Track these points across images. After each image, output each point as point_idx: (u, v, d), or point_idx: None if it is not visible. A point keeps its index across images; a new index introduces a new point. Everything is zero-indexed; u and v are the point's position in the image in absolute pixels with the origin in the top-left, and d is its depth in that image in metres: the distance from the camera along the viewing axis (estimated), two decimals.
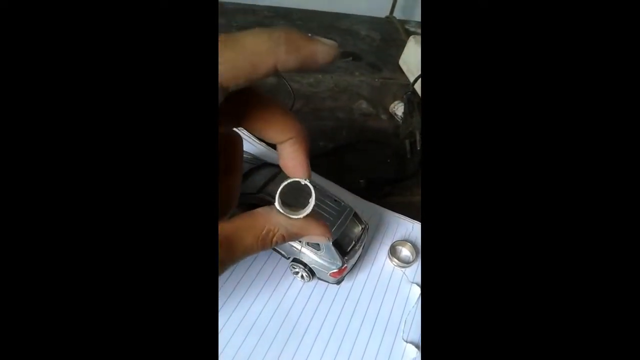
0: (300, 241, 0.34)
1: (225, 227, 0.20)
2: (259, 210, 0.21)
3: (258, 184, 0.35)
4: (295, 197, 0.31)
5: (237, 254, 0.20)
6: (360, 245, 0.37)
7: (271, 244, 0.21)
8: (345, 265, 0.34)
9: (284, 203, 0.22)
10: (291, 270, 0.37)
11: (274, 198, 0.31)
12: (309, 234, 0.22)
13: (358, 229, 0.37)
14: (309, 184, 0.23)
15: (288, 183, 0.21)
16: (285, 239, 0.22)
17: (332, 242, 0.33)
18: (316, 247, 0.34)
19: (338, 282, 0.36)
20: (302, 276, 0.36)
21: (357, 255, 0.37)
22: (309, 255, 0.35)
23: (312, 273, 0.36)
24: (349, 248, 0.35)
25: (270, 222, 0.21)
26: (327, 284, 0.37)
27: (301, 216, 0.21)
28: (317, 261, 0.34)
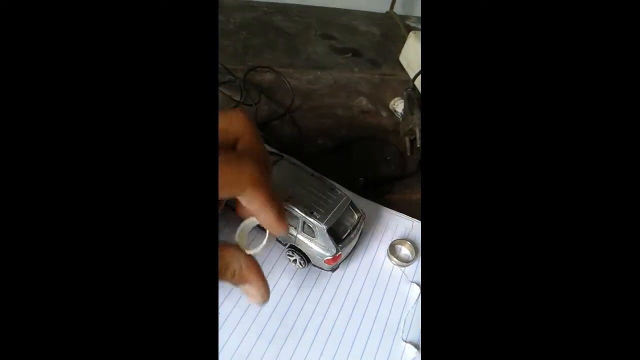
0: (295, 227, 0.35)
1: None
2: (223, 245, 0.24)
3: None
4: (286, 180, 0.33)
5: None
6: (356, 234, 0.37)
7: (229, 277, 0.24)
8: (340, 252, 0.34)
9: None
10: (289, 258, 0.37)
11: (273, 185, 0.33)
12: (250, 285, 0.25)
13: (354, 218, 0.37)
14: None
15: (246, 224, 0.26)
16: (234, 276, 0.24)
17: (327, 230, 0.34)
18: (311, 233, 0.34)
19: (333, 270, 0.37)
20: (298, 263, 0.37)
21: (352, 244, 0.37)
22: (304, 242, 0.35)
23: (307, 260, 0.36)
24: (344, 236, 0.36)
25: (231, 257, 0.24)
26: (325, 284, 0.37)
27: (251, 252, 0.25)
28: (312, 248, 0.35)
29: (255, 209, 0.24)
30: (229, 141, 0.24)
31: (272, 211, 0.24)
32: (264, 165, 0.24)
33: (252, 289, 0.25)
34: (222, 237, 0.22)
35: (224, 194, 0.22)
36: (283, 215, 0.25)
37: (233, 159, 0.22)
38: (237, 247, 0.25)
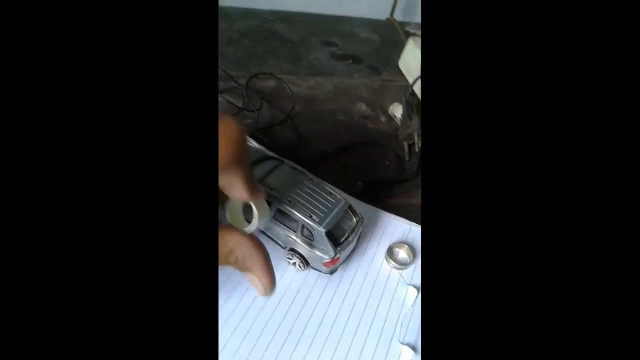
0: (295, 231, 0.36)
1: None
2: (227, 230, 0.23)
3: (258, 176, 0.36)
4: (286, 184, 0.36)
5: None
6: (355, 237, 0.38)
7: (231, 263, 0.23)
8: (338, 255, 0.35)
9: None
10: (288, 261, 0.38)
11: (273, 189, 0.35)
12: (255, 273, 0.24)
13: (353, 221, 0.38)
14: (253, 205, 0.26)
15: (233, 204, 0.27)
16: (237, 263, 0.23)
17: (326, 233, 0.34)
18: (310, 237, 0.35)
19: (331, 272, 0.38)
20: (297, 265, 0.38)
21: (351, 247, 0.38)
22: (303, 245, 0.36)
23: (306, 263, 0.37)
24: (342, 239, 0.36)
25: (235, 243, 0.23)
26: (324, 287, 0.37)
27: (248, 230, 0.26)
28: (311, 251, 0.36)
29: (235, 182, 0.23)
30: None
31: (249, 182, 0.24)
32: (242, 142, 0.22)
33: (255, 280, 0.24)
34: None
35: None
36: (255, 186, 0.25)
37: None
38: (242, 232, 0.23)
